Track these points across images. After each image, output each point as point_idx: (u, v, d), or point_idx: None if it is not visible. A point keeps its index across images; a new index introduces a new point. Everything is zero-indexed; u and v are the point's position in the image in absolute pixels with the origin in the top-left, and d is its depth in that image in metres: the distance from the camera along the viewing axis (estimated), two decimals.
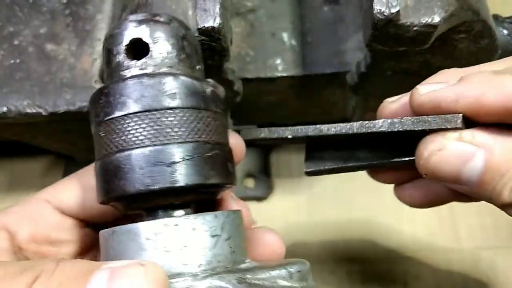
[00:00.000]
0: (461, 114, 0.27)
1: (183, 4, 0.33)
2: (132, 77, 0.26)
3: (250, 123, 0.51)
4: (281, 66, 0.44)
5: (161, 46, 0.27)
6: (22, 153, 0.63)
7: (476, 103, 0.27)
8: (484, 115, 0.27)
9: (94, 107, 0.27)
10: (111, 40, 0.27)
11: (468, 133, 0.28)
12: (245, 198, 0.59)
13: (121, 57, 0.27)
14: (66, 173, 0.61)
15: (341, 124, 0.31)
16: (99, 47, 0.42)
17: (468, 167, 0.27)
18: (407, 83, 0.42)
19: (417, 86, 0.29)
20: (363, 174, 0.38)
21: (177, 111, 0.26)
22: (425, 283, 0.53)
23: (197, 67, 0.29)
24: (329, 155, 0.35)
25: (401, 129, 0.29)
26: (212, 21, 0.32)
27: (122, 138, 0.25)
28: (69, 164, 0.62)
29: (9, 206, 0.34)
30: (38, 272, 0.23)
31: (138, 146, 0.25)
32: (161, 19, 0.28)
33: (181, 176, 0.25)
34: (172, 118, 0.26)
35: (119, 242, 0.26)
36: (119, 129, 0.25)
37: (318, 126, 0.32)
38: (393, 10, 0.32)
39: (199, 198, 0.28)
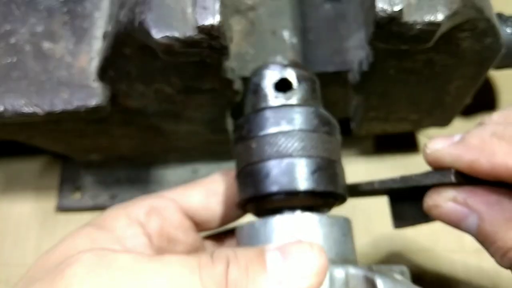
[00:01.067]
0: (452, 170, 0.30)
1: (182, 2, 0.33)
2: (283, 105, 0.33)
3: None
4: None
5: (302, 85, 0.34)
6: (18, 152, 0.63)
7: (469, 168, 0.29)
8: (480, 176, 0.29)
9: (247, 124, 0.33)
10: (260, 76, 0.35)
11: (462, 195, 0.30)
12: None
13: (270, 90, 0.34)
14: (63, 173, 0.61)
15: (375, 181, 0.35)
16: (97, 46, 0.42)
17: (464, 224, 0.30)
18: (410, 82, 0.42)
19: (426, 143, 0.32)
20: (365, 175, 0.38)
21: (317, 134, 0.33)
22: (427, 284, 0.53)
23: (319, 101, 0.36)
24: (408, 206, 0.38)
25: (414, 184, 0.32)
26: (211, 19, 0.32)
27: (275, 149, 0.32)
28: (66, 164, 0.62)
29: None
30: (225, 259, 0.26)
31: (286, 156, 0.31)
32: (301, 65, 0.37)
33: (319, 182, 0.32)
34: (316, 138, 0.32)
35: (260, 233, 0.32)
36: (272, 142, 0.32)
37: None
38: (396, 8, 0.32)
39: (319, 205, 0.34)
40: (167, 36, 0.32)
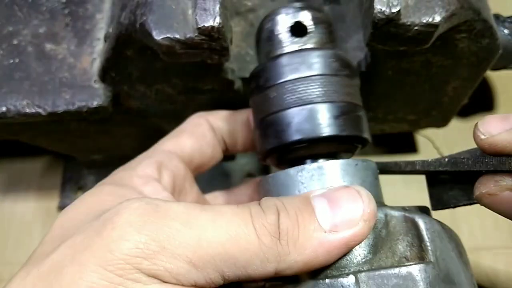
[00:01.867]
0: None
1: (183, 4, 0.33)
2: (300, 50, 0.32)
3: None
4: None
5: (318, 28, 0.33)
6: (21, 152, 0.63)
7: None
8: None
9: (264, 73, 0.32)
10: (273, 22, 0.33)
11: None
12: None
13: (284, 35, 0.33)
14: (65, 172, 0.61)
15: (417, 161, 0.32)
16: (98, 47, 0.42)
17: None
18: (408, 82, 0.43)
19: (477, 127, 0.28)
20: None
21: (338, 78, 0.32)
22: None
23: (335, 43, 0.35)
24: (450, 188, 0.34)
25: (462, 169, 0.30)
26: (212, 20, 0.32)
27: (295, 96, 0.31)
28: (68, 164, 0.62)
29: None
30: (275, 208, 0.27)
31: (308, 102, 0.30)
32: (315, 6, 0.35)
33: (344, 127, 0.31)
34: (337, 82, 0.31)
35: (286, 184, 0.31)
36: (293, 90, 0.31)
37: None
38: (394, 10, 0.32)
39: (342, 150, 0.33)
40: (168, 38, 0.33)
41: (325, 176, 0.30)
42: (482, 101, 0.62)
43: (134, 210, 0.25)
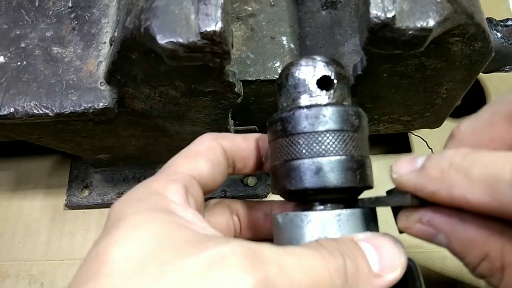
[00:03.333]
0: (409, 194, 0.30)
1: (186, 9, 0.34)
2: (327, 104, 0.33)
3: (250, 124, 0.51)
4: (280, 69, 0.45)
5: (341, 83, 0.34)
6: (29, 152, 0.64)
7: (431, 198, 0.29)
8: (442, 205, 0.29)
9: (288, 121, 0.33)
10: (303, 72, 0.34)
11: (426, 218, 0.30)
12: (245, 196, 0.60)
13: (312, 87, 0.34)
14: (72, 172, 0.62)
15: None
16: (104, 50, 0.43)
17: (436, 241, 0.30)
18: (402, 85, 0.43)
19: (392, 166, 0.31)
20: None
21: (358, 133, 0.33)
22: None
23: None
24: None
25: (383, 205, 0.33)
26: (213, 25, 0.32)
27: (322, 147, 0.32)
28: (74, 163, 0.62)
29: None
30: (339, 253, 0.27)
31: (334, 154, 0.32)
32: (338, 62, 0.35)
33: (360, 179, 0.33)
34: (357, 136, 0.33)
35: (293, 225, 0.33)
36: (319, 141, 0.32)
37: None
38: (389, 15, 0.33)
39: (346, 197, 0.35)
40: (171, 42, 0.33)
41: (349, 222, 0.33)
42: (475, 103, 0.63)
43: (239, 256, 0.24)
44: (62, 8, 0.45)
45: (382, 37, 0.34)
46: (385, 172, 0.59)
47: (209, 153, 0.35)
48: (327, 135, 0.32)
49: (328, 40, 0.44)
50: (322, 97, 0.34)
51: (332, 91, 0.34)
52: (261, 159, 0.39)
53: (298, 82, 0.34)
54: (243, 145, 0.38)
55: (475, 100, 0.63)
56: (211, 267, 0.24)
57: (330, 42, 0.44)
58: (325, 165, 0.32)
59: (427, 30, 0.34)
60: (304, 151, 0.32)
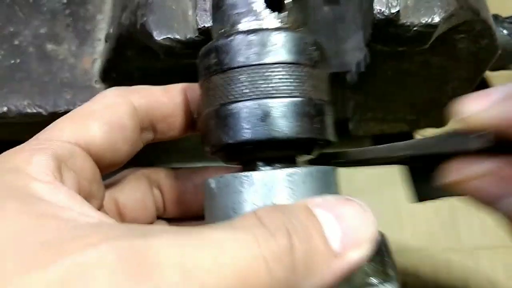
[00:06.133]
0: (474, 135, 0.24)
1: (183, 4, 0.33)
2: (278, 28, 0.26)
3: None
4: None
5: (296, 4, 0.27)
6: None
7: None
8: None
9: (231, 48, 0.26)
10: None
11: (504, 168, 0.24)
12: None
13: (258, 6, 0.26)
14: None
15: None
16: (99, 47, 0.42)
17: (500, 204, 0.26)
18: (407, 83, 0.43)
19: (456, 108, 0.25)
20: (363, 175, 0.39)
21: (318, 70, 0.26)
22: (424, 282, 0.53)
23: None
24: (426, 177, 0.30)
25: (433, 152, 0.27)
26: (212, 21, 0.32)
27: (271, 85, 0.25)
28: None
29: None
30: (284, 230, 0.20)
31: (278, 95, 0.25)
32: None
33: (320, 128, 0.26)
34: (317, 74, 0.26)
35: (230, 191, 0.25)
36: (266, 76, 0.25)
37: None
38: (393, 10, 0.32)
39: (296, 154, 0.28)
40: (168, 38, 0.33)
41: (306, 185, 0.25)
42: None
43: (111, 266, 0.17)
44: (57, 4, 0.45)
45: (386, 33, 0.34)
46: (389, 172, 0.58)
47: (106, 113, 0.27)
48: (278, 69, 0.25)
49: (330, 36, 0.44)
50: (271, 20, 0.26)
51: (285, 13, 0.27)
52: (191, 115, 0.31)
53: (239, 0, 0.27)
54: (164, 99, 0.30)
55: None
56: (65, 285, 0.17)
57: (333, 39, 0.44)
58: (274, 109, 0.25)
59: (432, 27, 0.34)
60: (246, 90, 0.25)
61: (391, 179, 0.60)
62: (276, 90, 0.25)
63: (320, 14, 0.45)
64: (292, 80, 0.25)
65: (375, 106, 0.47)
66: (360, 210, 0.23)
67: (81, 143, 0.26)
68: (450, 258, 0.54)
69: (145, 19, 0.34)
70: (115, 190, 0.31)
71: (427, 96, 0.46)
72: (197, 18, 0.32)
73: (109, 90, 0.29)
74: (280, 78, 0.25)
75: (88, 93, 0.41)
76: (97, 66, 0.42)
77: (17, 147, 0.25)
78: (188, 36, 0.33)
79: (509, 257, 0.53)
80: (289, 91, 0.25)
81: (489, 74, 0.63)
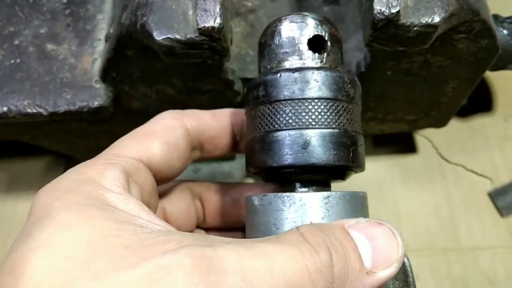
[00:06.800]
0: None
1: (183, 4, 0.33)
2: (319, 68, 0.29)
3: None
4: None
5: (335, 46, 0.30)
6: (22, 152, 0.63)
7: None
8: None
9: (272, 85, 0.29)
10: (292, 30, 0.30)
11: None
12: None
13: (303, 47, 0.29)
14: None
15: None
16: (99, 47, 0.42)
17: None
18: (407, 83, 0.43)
19: None
20: (362, 175, 0.38)
21: (353, 105, 0.29)
22: (424, 282, 0.53)
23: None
24: None
25: None
26: (212, 21, 0.32)
27: (312, 117, 0.28)
28: (69, 164, 0.62)
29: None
30: (325, 247, 0.23)
31: (318, 127, 0.28)
32: (332, 23, 0.31)
33: (354, 157, 0.29)
34: (352, 108, 0.29)
35: (272, 208, 0.28)
36: (309, 110, 0.28)
37: None
38: (393, 10, 0.32)
39: (332, 178, 0.31)
40: (168, 38, 0.33)
41: (339, 207, 0.28)
42: (481, 102, 0.62)
43: (188, 269, 0.20)
44: (57, 4, 0.44)
45: (386, 33, 0.34)
46: (389, 172, 0.58)
47: (165, 134, 0.30)
48: (318, 103, 0.28)
49: None
50: (314, 60, 0.29)
51: (325, 54, 0.29)
52: (235, 137, 0.34)
53: (286, 41, 0.30)
54: (212, 123, 0.33)
55: (481, 99, 0.62)
56: (151, 284, 0.20)
57: None
58: (314, 138, 0.28)
59: (432, 27, 0.33)
60: (290, 120, 0.28)
61: (391, 179, 0.60)
62: (316, 122, 0.28)
63: (320, 14, 0.45)
64: (330, 114, 0.28)
65: (375, 106, 0.47)
66: (390, 233, 0.25)
67: (144, 159, 0.29)
68: (449, 258, 0.54)
69: (145, 19, 0.33)
70: (163, 200, 0.34)
71: (426, 96, 0.46)
72: (197, 18, 0.32)
73: (167, 113, 0.33)
74: (320, 112, 0.28)
75: (88, 93, 0.41)
76: (97, 66, 0.42)
77: (89, 161, 0.28)
78: (188, 36, 0.33)
79: (509, 257, 0.54)
80: (328, 123, 0.28)
81: (488, 74, 0.63)
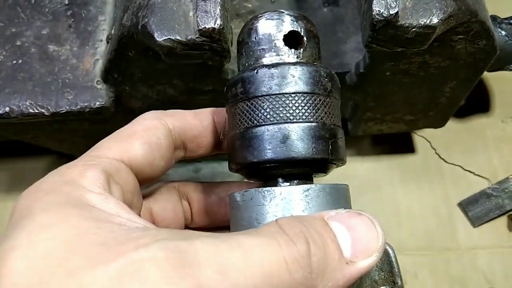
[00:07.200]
0: None
1: (184, 6, 0.34)
2: (296, 63, 0.29)
3: None
4: None
5: (311, 42, 0.30)
6: (24, 152, 0.63)
7: None
8: None
9: (255, 80, 0.29)
10: (268, 27, 0.30)
11: None
12: None
13: (279, 43, 0.30)
14: None
15: None
16: (101, 48, 0.42)
17: None
18: (406, 83, 0.43)
19: None
20: (362, 175, 0.39)
21: (331, 98, 0.29)
22: (423, 281, 0.53)
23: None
24: None
25: None
26: (212, 22, 0.32)
27: (290, 112, 0.28)
28: None
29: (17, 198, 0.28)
30: (303, 237, 0.23)
31: (296, 121, 0.28)
32: (308, 18, 0.31)
33: (333, 150, 0.29)
34: (330, 102, 0.29)
35: (253, 203, 0.29)
36: (286, 104, 0.28)
37: None
38: (392, 12, 0.32)
39: (312, 172, 0.31)
40: (169, 39, 0.33)
41: (319, 199, 0.29)
42: (479, 102, 0.62)
43: (161, 263, 0.20)
44: (59, 5, 0.45)
45: (385, 34, 0.34)
46: (388, 172, 0.59)
47: (146, 134, 0.31)
48: (296, 98, 0.29)
49: (329, 37, 0.44)
50: (290, 56, 0.30)
51: (301, 49, 0.30)
52: (218, 136, 0.34)
53: (263, 38, 0.30)
54: (194, 122, 0.34)
55: (479, 99, 0.63)
56: (123, 279, 0.20)
57: (332, 40, 0.44)
58: (293, 132, 0.28)
59: (430, 28, 0.34)
60: (268, 116, 0.29)
61: (390, 179, 0.60)
62: (294, 116, 0.28)
63: (320, 15, 0.45)
64: (308, 107, 0.29)
65: (374, 106, 0.47)
66: (370, 223, 0.26)
67: (125, 160, 0.29)
68: (448, 258, 0.54)
69: (146, 20, 0.34)
70: (150, 201, 0.34)
71: (425, 96, 0.46)
72: (198, 19, 0.32)
73: (149, 113, 0.33)
74: (297, 106, 0.28)
75: (90, 94, 0.41)
76: (99, 66, 0.42)
77: (71, 162, 0.28)
78: (189, 37, 0.33)
79: (507, 256, 0.54)
80: (306, 117, 0.28)
81: (486, 75, 0.63)
